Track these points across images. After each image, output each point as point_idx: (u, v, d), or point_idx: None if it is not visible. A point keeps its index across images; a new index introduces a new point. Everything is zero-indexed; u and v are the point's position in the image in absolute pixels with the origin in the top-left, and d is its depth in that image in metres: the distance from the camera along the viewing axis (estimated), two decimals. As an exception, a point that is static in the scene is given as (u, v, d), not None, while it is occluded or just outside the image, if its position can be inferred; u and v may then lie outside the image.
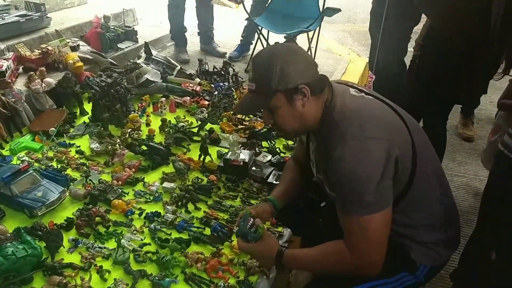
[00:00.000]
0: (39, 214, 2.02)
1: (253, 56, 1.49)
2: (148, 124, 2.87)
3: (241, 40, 4.36)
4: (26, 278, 1.69)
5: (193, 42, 4.45)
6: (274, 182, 2.28)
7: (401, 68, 2.90)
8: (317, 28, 3.92)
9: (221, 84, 3.37)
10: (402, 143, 1.33)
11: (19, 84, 2.90)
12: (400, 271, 1.44)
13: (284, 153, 2.61)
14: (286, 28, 3.93)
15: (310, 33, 3.92)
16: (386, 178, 1.27)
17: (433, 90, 2.40)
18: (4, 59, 2.89)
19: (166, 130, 2.77)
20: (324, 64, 4.11)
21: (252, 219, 1.56)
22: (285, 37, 4.18)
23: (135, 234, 1.95)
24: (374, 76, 4.16)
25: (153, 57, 3.55)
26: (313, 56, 4.00)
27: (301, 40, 4.17)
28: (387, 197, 1.30)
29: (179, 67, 3.54)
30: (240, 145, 2.46)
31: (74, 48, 3.30)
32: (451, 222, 1.51)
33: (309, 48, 3.92)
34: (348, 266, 1.33)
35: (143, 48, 3.61)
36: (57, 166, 2.42)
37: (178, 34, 4.20)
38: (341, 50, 4.63)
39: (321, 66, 4.00)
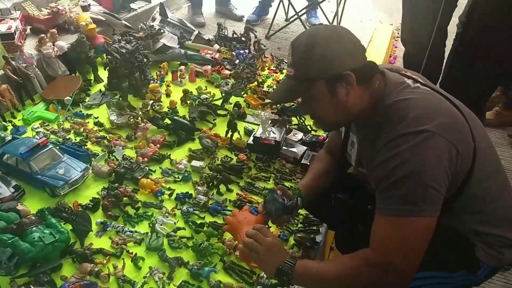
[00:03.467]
0: (62, 194, 1.89)
1: (293, 39, 1.29)
2: (168, 95, 2.69)
3: (259, 1, 4.10)
4: (56, 266, 1.58)
5: (208, 3, 4.17)
6: (308, 163, 2.15)
7: (440, 40, 2.71)
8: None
9: (242, 51, 3.16)
10: (464, 142, 1.19)
11: (28, 48, 2.68)
12: (461, 268, 1.34)
13: (315, 130, 2.47)
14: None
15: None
16: (441, 183, 1.14)
17: (477, 68, 2.27)
18: (11, 19, 2.66)
19: (188, 102, 2.60)
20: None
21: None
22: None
23: (167, 217, 1.83)
24: (398, 46, 4.01)
25: (168, 19, 3.31)
26: (338, 23, 3.77)
27: (327, 6, 3.94)
28: (437, 203, 1.15)
29: (196, 31, 3.31)
30: (270, 122, 2.31)
31: (85, 8, 3.05)
32: None
33: (336, 13, 3.68)
34: (373, 271, 1.16)
35: (157, 10, 3.36)
36: (75, 139, 2.27)
37: (194, -7, 3.92)
38: (363, 15, 4.38)
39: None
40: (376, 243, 1.18)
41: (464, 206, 1.28)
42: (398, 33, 3.88)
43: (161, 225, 1.79)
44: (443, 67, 2.74)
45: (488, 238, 1.33)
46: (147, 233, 1.76)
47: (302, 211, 1.90)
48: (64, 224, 1.74)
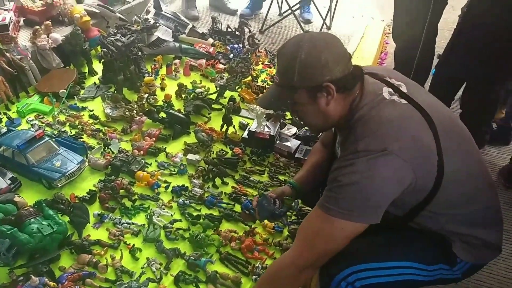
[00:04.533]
0: (59, 186, 1.91)
1: (280, 46, 1.34)
2: (163, 89, 2.70)
3: (253, -5, 4.11)
4: (54, 257, 1.61)
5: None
6: (301, 157, 2.20)
7: (431, 36, 2.76)
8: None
9: (236, 45, 3.18)
10: (424, 160, 1.22)
11: (22, 39, 2.66)
12: (439, 262, 1.39)
13: (309, 125, 2.51)
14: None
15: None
16: (384, 198, 1.21)
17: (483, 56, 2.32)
18: (5, 10, 2.64)
19: (183, 95, 2.62)
20: (342, 28, 3.91)
21: (272, 198, 1.59)
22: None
23: (163, 209, 1.87)
24: (389, 42, 4.06)
25: (162, 12, 3.31)
26: (331, 19, 3.81)
27: (320, 1, 3.97)
28: (373, 216, 1.22)
29: (191, 25, 3.32)
30: (264, 116, 2.35)
31: (79, 0, 3.04)
32: (494, 223, 1.42)
33: (329, 8, 3.72)
34: (289, 265, 1.29)
35: (151, 2, 3.36)
36: (71, 132, 2.28)
37: (187, -14, 3.92)
38: (355, 11, 4.43)
39: (339, 30, 3.82)
40: (300, 236, 1.30)
41: (437, 210, 1.32)
42: (389, 29, 3.93)
43: (158, 217, 1.82)
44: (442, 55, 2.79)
45: (464, 237, 1.37)
46: (144, 224, 1.79)
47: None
48: (61, 216, 1.75)
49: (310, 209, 1.92)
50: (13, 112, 2.38)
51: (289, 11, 3.81)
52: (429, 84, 2.93)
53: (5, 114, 2.34)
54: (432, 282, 1.41)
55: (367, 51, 3.52)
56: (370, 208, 1.21)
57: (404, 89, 1.33)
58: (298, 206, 1.82)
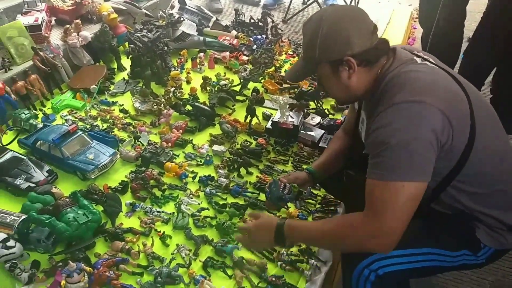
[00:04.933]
0: (93, 177, 2.00)
1: (305, 21, 1.38)
2: (188, 82, 2.77)
3: (276, -14, 4.11)
4: (90, 244, 1.70)
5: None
6: (326, 146, 2.20)
7: (459, 19, 2.69)
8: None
9: (259, 36, 3.20)
10: (459, 115, 1.21)
11: (54, 38, 2.79)
12: (463, 247, 1.38)
13: (333, 114, 2.52)
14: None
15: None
16: (428, 149, 1.17)
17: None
18: (37, 11, 2.76)
19: (208, 88, 2.67)
20: (368, 13, 3.84)
21: (282, 183, 1.63)
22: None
23: (191, 198, 1.93)
24: (416, 27, 3.97)
25: (186, 7, 3.37)
26: (356, 4, 3.75)
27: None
28: (426, 169, 1.19)
29: (214, 18, 3.36)
30: (288, 106, 2.37)
31: (106, -2, 3.14)
32: None
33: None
34: (360, 233, 1.21)
35: (176, -3, 3.42)
36: (102, 126, 2.38)
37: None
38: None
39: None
40: (368, 207, 1.22)
41: (463, 186, 1.31)
42: (417, 14, 3.84)
43: (186, 205, 1.88)
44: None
45: (487, 219, 1.35)
46: (173, 213, 1.86)
47: (320, 192, 1.97)
48: (95, 205, 1.85)
49: (333, 198, 1.94)
50: (48, 108, 2.51)
51: (312, -1, 3.80)
52: (457, 70, 2.87)
53: (40, 110, 2.47)
54: (456, 268, 1.41)
55: (394, 37, 3.47)
56: (421, 162, 1.17)
57: (433, 61, 1.35)
58: (310, 193, 1.88)
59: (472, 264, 1.41)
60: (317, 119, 2.43)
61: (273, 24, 3.24)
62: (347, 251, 1.35)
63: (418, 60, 1.31)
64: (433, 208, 1.37)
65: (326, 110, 2.52)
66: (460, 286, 1.94)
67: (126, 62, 2.85)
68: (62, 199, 1.81)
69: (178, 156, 2.19)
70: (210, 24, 3.31)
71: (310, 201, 1.94)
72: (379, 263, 1.31)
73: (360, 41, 1.26)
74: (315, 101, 2.55)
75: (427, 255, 1.35)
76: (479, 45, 2.53)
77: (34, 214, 1.67)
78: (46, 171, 2.02)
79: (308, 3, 3.91)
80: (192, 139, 2.29)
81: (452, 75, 1.31)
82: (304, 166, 2.14)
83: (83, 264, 1.55)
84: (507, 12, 2.27)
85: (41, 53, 2.52)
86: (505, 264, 2.01)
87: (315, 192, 1.98)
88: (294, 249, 1.71)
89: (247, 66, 2.84)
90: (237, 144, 2.26)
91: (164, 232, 1.76)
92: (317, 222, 1.45)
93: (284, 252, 1.68)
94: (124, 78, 2.76)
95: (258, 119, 2.41)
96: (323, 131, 2.31)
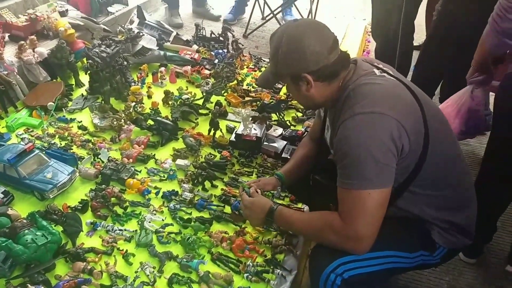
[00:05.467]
0: (51, 197, 1.94)
1: (271, 33, 1.50)
2: (149, 96, 2.75)
3: (235, 1, 4.17)
4: (49, 266, 1.64)
5: (184, 4, 4.23)
6: (288, 157, 2.25)
7: (408, 33, 2.84)
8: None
9: (221, 51, 3.24)
10: (413, 124, 1.31)
11: (8, 55, 2.69)
12: (420, 249, 1.47)
13: (295, 125, 2.57)
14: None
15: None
16: (389, 156, 1.27)
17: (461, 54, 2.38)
18: (-11, 27, 2.67)
19: (170, 102, 2.66)
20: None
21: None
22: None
23: (155, 215, 1.91)
24: (370, 41, 4.14)
25: (146, 22, 3.36)
26: (313, 17, 3.87)
27: (302, 4, 4.04)
28: (388, 177, 1.29)
29: (175, 32, 3.37)
30: (250, 119, 2.40)
31: (63, 13, 3.08)
32: (467, 209, 1.51)
33: (310, 10, 3.79)
34: (336, 235, 1.33)
35: (135, 12, 3.41)
36: (61, 144, 2.32)
37: (170, -5, 3.97)
38: (337, 12, 4.51)
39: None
40: (341, 213, 1.33)
41: (419, 190, 1.40)
42: (370, 28, 4.02)
43: (149, 222, 1.86)
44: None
45: (441, 223, 1.45)
46: (136, 230, 1.83)
47: (284, 202, 2.01)
48: (55, 226, 1.79)
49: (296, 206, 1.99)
50: (3, 127, 2.41)
51: (271, 15, 3.88)
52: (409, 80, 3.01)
53: (-6, 129, 2.37)
54: (415, 267, 1.49)
55: (350, 50, 3.49)
56: (383, 170, 1.26)
57: (391, 73, 1.44)
58: (280, 195, 1.98)
59: (429, 264, 1.50)
60: (279, 130, 2.48)
61: (233, 38, 3.29)
62: (328, 246, 1.41)
63: (377, 72, 1.40)
64: (392, 215, 1.44)
65: (287, 122, 2.58)
66: (419, 287, 2.02)
67: (84, 78, 2.80)
68: (19, 220, 1.74)
69: (140, 172, 2.16)
70: (171, 39, 3.31)
71: (278, 201, 1.99)
72: (344, 267, 1.37)
73: (316, 59, 1.35)
74: (277, 113, 2.60)
75: (388, 257, 1.41)
76: (428, 55, 2.68)
77: (-12, 238, 1.60)
78: (1, 192, 1.93)
79: (267, 18, 4.00)
80: (154, 154, 2.27)
81: (407, 85, 1.40)
82: (267, 176, 2.17)
83: (42, 287, 1.50)
84: (456, 17, 2.40)
85: (-6, 71, 2.44)
86: (460, 263, 2.11)
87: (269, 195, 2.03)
88: (259, 260, 1.73)
89: (209, 80, 2.86)
90: (201, 157, 2.27)
91: (127, 250, 1.73)
92: (303, 216, 1.54)
93: (250, 264, 1.69)
94: (82, 94, 2.71)
95: (221, 132, 2.43)
96: (285, 142, 2.36)
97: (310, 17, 3.92)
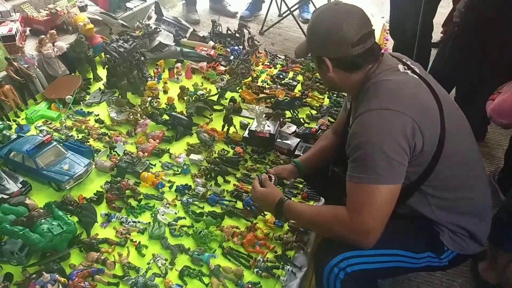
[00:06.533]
0: (67, 188, 1.99)
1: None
2: (165, 92, 2.78)
3: (252, -3, 4.18)
4: (64, 255, 1.68)
5: (202, 0, 4.25)
6: (301, 154, 2.25)
7: (426, 32, 2.79)
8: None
9: (236, 47, 3.25)
10: (428, 125, 1.30)
11: (28, 48, 2.76)
12: (427, 250, 1.45)
13: (308, 123, 2.57)
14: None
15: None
16: (400, 153, 1.26)
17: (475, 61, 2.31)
18: (11, 21, 2.73)
19: (185, 98, 2.69)
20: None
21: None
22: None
23: (168, 208, 1.93)
24: (388, 39, 4.10)
25: (164, 17, 3.39)
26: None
27: (319, 0, 4.02)
28: (398, 173, 1.29)
29: (191, 29, 3.40)
30: (264, 116, 2.41)
31: (82, 9, 3.13)
32: (481, 216, 1.48)
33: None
34: (343, 228, 1.33)
35: (153, 8, 3.44)
36: (78, 136, 2.36)
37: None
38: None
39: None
40: (349, 206, 1.33)
41: (430, 191, 1.39)
42: (388, 26, 3.97)
43: (162, 215, 1.88)
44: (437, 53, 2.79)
45: (452, 226, 1.43)
46: (149, 223, 1.86)
47: (296, 199, 2.01)
48: (70, 216, 1.83)
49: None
50: (22, 119, 2.47)
51: (288, 11, 3.87)
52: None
53: (14, 121, 2.43)
54: (420, 269, 1.47)
55: None
56: (394, 166, 1.26)
57: (417, 70, 1.43)
58: (292, 185, 2.00)
59: (436, 266, 1.47)
60: (293, 127, 2.48)
61: (249, 35, 3.30)
62: (334, 239, 1.41)
63: (401, 68, 1.39)
64: (401, 213, 1.43)
65: (301, 119, 2.58)
66: (431, 289, 2.00)
67: (102, 72, 2.84)
68: (36, 210, 1.79)
69: (154, 165, 2.19)
70: (187, 35, 3.34)
71: (293, 190, 2.03)
72: (347, 261, 1.37)
73: (338, 47, 1.37)
74: (291, 111, 2.60)
75: (393, 256, 1.40)
76: (445, 56, 2.61)
77: (7, 225, 1.64)
78: (20, 182, 1.99)
79: (284, 15, 3.99)
80: (169, 149, 2.30)
81: (430, 85, 1.39)
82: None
83: (57, 275, 1.53)
84: (479, 27, 2.28)
85: (15, 64, 2.49)
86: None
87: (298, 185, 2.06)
88: (270, 256, 1.74)
89: (224, 76, 2.88)
90: (215, 153, 2.28)
91: (140, 242, 1.76)
92: (312, 209, 1.55)
93: (261, 259, 1.70)
94: (100, 88, 2.76)
95: (235, 128, 2.45)
96: (298, 140, 2.36)
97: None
